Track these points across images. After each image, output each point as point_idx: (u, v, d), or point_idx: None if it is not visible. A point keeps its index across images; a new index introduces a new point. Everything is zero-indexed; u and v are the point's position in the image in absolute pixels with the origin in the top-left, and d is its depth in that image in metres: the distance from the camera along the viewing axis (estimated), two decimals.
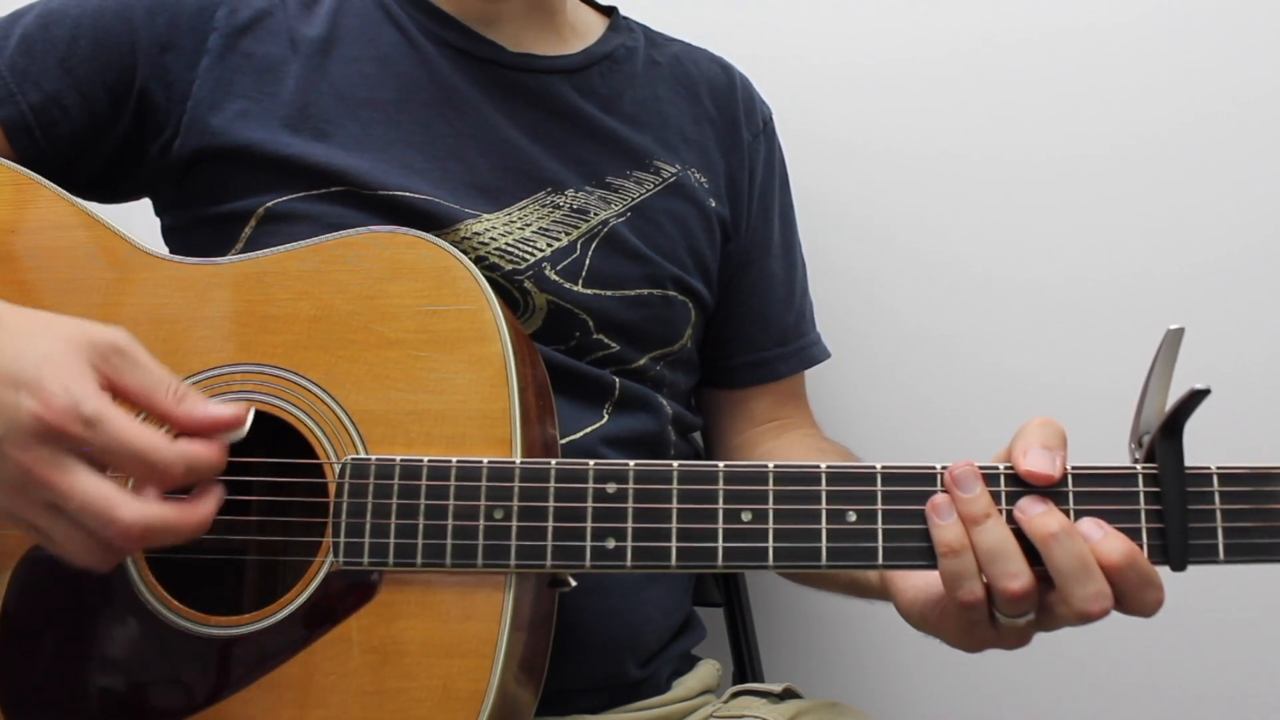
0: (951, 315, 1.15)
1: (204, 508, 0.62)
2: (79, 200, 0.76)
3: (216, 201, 0.84)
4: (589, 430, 0.85)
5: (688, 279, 0.92)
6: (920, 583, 0.70)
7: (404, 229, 0.74)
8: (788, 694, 0.91)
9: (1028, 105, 1.14)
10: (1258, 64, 1.10)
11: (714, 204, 0.95)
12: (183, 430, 0.61)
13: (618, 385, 0.88)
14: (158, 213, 0.90)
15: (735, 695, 0.92)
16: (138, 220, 0.86)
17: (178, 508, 0.60)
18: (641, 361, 0.90)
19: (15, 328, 0.61)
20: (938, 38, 1.15)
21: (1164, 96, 1.11)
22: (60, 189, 0.77)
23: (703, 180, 0.95)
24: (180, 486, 0.61)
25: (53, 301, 0.74)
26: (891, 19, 1.16)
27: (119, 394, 0.60)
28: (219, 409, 0.62)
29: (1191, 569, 0.65)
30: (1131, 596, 0.63)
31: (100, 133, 0.84)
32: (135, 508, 0.58)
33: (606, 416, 0.87)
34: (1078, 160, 1.13)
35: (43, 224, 0.76)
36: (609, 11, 1.00)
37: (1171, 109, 1.11)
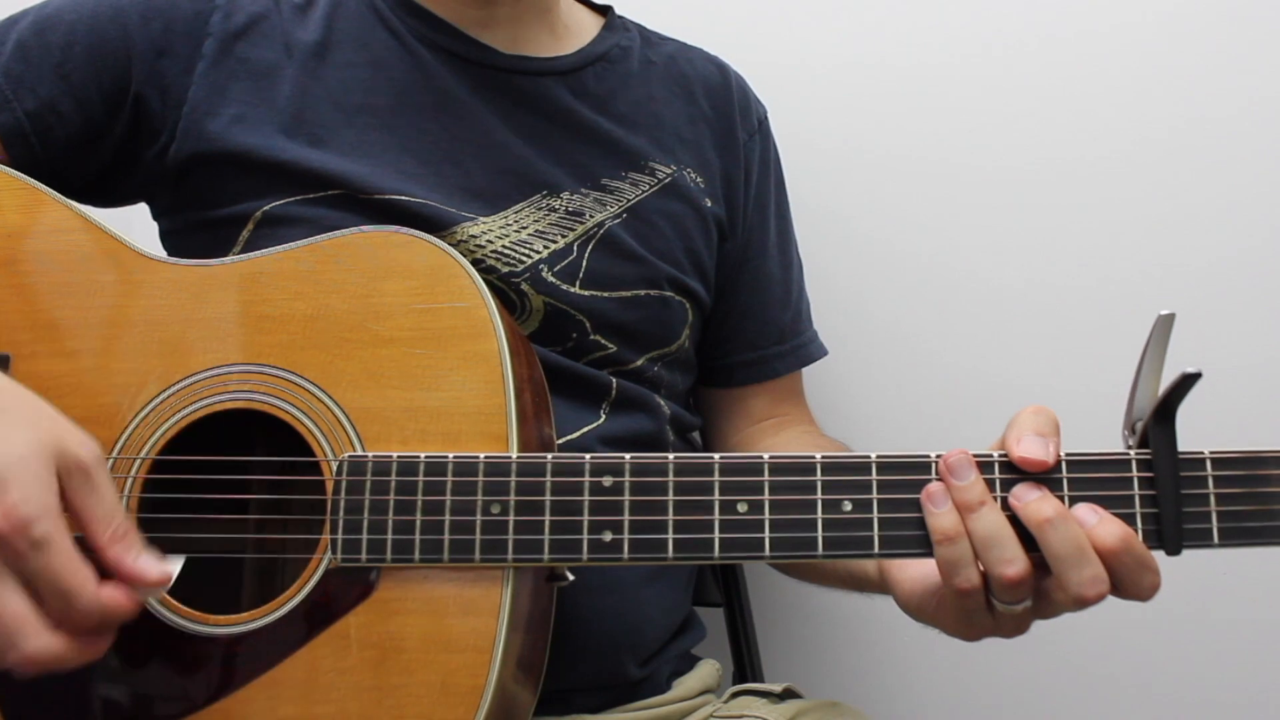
0: (947, 311, 1.15)
1: (102, 644, 0.61)
2: (77, 205, 0.77)
3: (213, 206, 0.84)
4: (586, 430, 0.86)
5: (684, 279, 0.92)
6: (917, 573, 0.70)
7: (399, 228, 0.74)
8: (788, 694, 0.91)
9: (1022, 107, 1.15)
10: (1255, 65, 1.10)
11: (710, 204, 0.95)
12: (105, 567, 0.61)
13: (615, 386, 0.88)
14: (155, 217, 0.91)
15: (735, 695, 0.92)
16: (138, 224, 0.87)
17: (78, 644, 0.60)
18: (639, 362, 0.90)
19: (3, 411, 0.61)
20: (933, 41, 1.16)
21: (1159, 99, 1.12)
22: (59, 194, 0.77)
23: (698, 180, 0.95)
24: (89, 629, 0.60)
25: (51, 305, 0.74)
26: (887, 22, 1.17)
27: (68, 509, 0.60)
28: (145, 565, 0.61)
29: (1190, 559, 0.65)
30: (1128, 581, 0.63)
31: (96, 138, 0.85)
32: (42, 641, 0.58)
33: (604, 417, 0.87)
34: (1073, 161, 1.13)
35: (42, 228, 0.76)
36: (604, 10, 1.01)
37: (1166, 112, 1.12)
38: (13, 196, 0.77)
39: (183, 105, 0.83)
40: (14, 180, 0.77)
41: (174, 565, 0.63)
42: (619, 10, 1.01)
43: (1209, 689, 1.10)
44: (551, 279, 0.85)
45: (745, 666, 1.06)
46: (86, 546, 0.60)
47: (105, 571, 0.60)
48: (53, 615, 0.58)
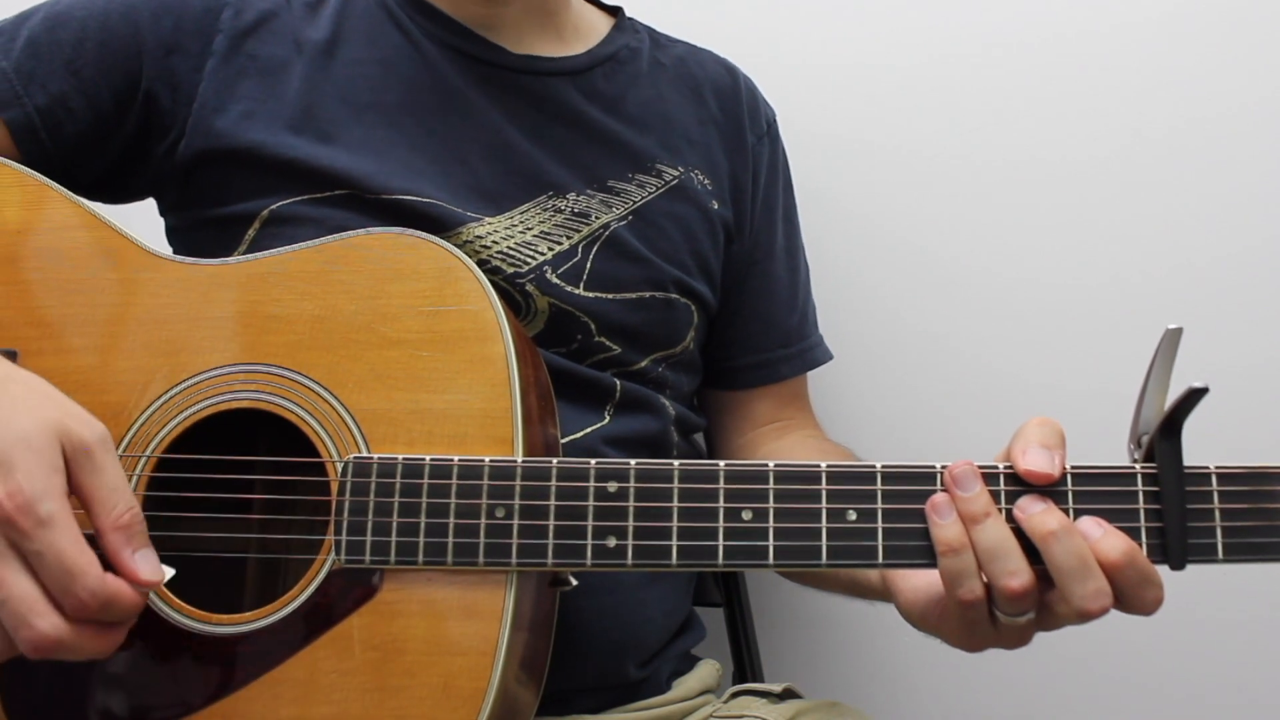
0: (953, 316, 1.15)
1: (115, 636, 0.61)
2: (84, 201, 0.77)
3: (220, 203, 0.84)
4: (590, 430, 0.86)
5: (690, 281, 0.92)
6: (920, 582, 0.70)
7: (407, 230, 0.74)
8: (787, 694, 0.91)
9: (1030, 107, 1.14)
10: (1257, 65, 1.10)
11: (717, 206, 0.95)
12: (105, 555, 0.61)
13: (619, 387, 0.88)
14: (161, 213, 0.91)
15: (735, 695, 0.92)
16: (141, 220, 0.87)
17: (90, 630, 0.60)
18: (643, 364, 0.90)
19: (8, 393, 0.61)
20: (940, 40, 1.16)
21: (1164, 97, 1.12)
22: (66, 190, 0.77)
23: (706, 182, 0.95)
24: (95, 618, 0.60)
25: (58, 302, 0.74)
26: (893, 21, 1.17)
27: (74, 491, 0.61)
28: (140, 562, 0.61)
29: (1191, 569, 0.65)
30: (1131, 595, 0.63)
31: (106, 135, 0.84)
32: (52, 620, 0.58)
33: (608, 418, 0.87)
34: (1080, 161, 1.13)
35: (49, 225, 0.76)
36: (614, 11, 1.01)
37: (1172, 110, 1.11)
38: (20, 193, 0.76)
39: (192, 102, 0.83)
40: (22, 176, 0.77)
41: (166, 573, 0.63)
42: (630, 12, 1.01)
43: (1210, 691, 1.11)
44: (556, 280, 0.85)
45: (745, 666, 1.07)
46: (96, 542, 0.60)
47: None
48: (55, 597, 0.58)
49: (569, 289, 0.85)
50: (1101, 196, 1.13)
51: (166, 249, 0.86)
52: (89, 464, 0.60)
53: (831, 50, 1.17)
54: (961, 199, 1.15)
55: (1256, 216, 1.10)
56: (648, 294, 0.89)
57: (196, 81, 0.84)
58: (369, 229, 0.74)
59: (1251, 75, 1.10)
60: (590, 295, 0.86)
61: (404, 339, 0.71)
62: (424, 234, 0.74)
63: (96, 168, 0.86)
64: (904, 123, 1.16)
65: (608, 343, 0.87)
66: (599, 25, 0.98)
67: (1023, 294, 1.14)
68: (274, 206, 0.82)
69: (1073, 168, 1.13)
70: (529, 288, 0.84)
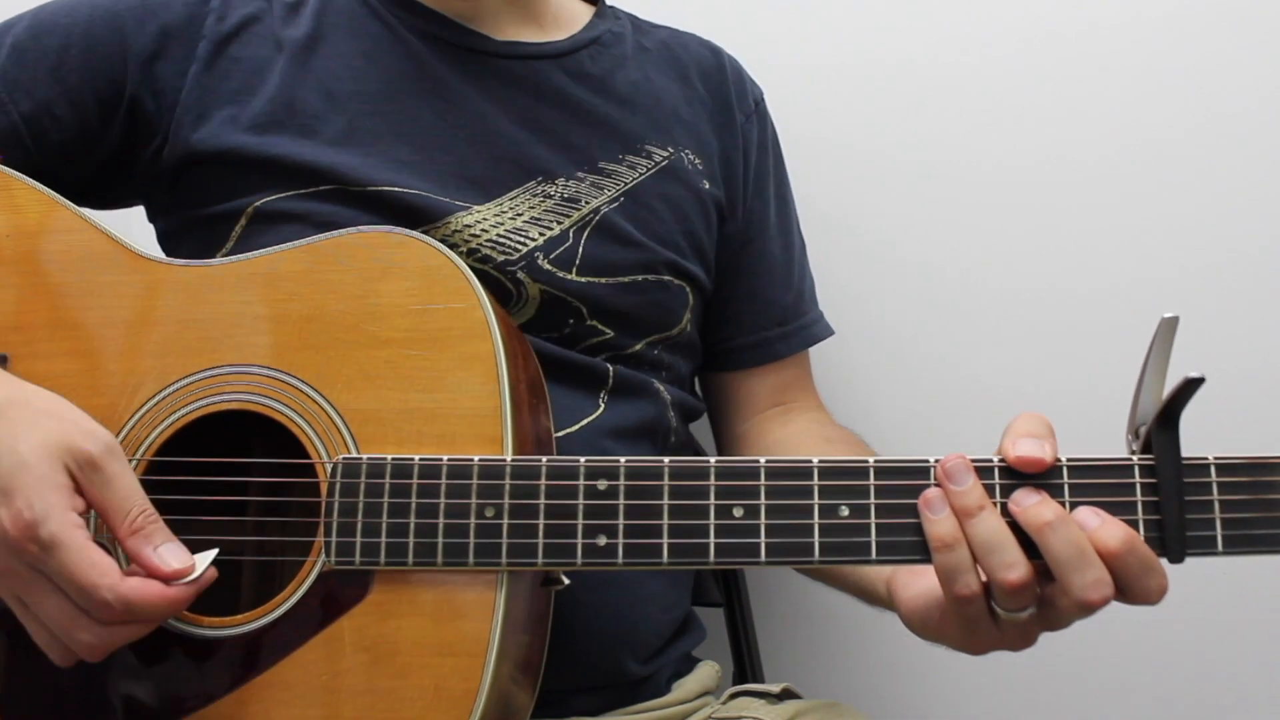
0: (950, 307, 1.14)
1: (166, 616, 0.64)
2: (75, 206, 0.77)
3: (206, 203, 0.84)
4: (587, 422, 0.85)
5: (683, 263, 0.91)
6: (920, 589, 0.69)
7: (395, 229, 0.74)
8: (786, 694, 0.90)
9: (1025, 106, 1.14)
10: (1256, 65, 1.09)
11: (708, 186, 0.94)
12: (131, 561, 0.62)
13: (611, 372, 0.87)
14: (150, 219, 0.91)
15: (734, 696, 0.92)
16: (137, 227, 0.87)
17: (138, 629, 0.63)
18: (638, 347, 0.89)
19: (8, 418, 0.62)
20: (934, 39, 1.15)
21: (1162, 99, 1.11)
22: (57, 195, 0.77)
23: (696, 162, 0.94)
24: (132, 620, 0.62)
25: (48, 306, 0.74)
26: (887, 20, 1.16)
27: (89, 504, 0.62)
28: (164, 556, 0.62)
29: (1190, 563, 0.64)
30: (1133, 584, 0.62)
31: (91, 141, 0.85)
32: (94, 631, 0.60)
33: (603, 406, 0.86)
34: (1075, 160, 1.13)
35: (40, 229, 0.76)
36: (594, 0, 1.00)
37: (1169, 112, 1.11)
38: (12, 197, 0.77)
39: (176, 107, 0.83)
40: (13, 180, 0.77)
41: (203, 557, 0.64)
42: (615, 4, 1.01)
43: (1210, 691, 1.09)
44: (548, 266, 0.85)
45: (745, 667, 1.06)
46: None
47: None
48: (85, 609, 0.59)
49: (561, 275, 0.85)
50: (1099, 193, 1.12)
51: (157, 252, 0.86)
52: (97, 476, 0.61)
53: (824, 48, 1.17)
54: (957, 195, 1.14)
55: (1253, 213, 1.09)
56: (640, 277, 0.88)
57: (180, 87, 0.84)
58: (358, 228, 0.74)
59: (1251, 75, 1.09)
60: (583, 280, 0.86)
61: (392, 338, 0.71)
62: (412, 232, 0.73)
63: (82, 173, 0.86)
64: (899, 121, 1.15)
65: (600, 326, 0.87)
66: (579, 13, 0.98)
67: (1021, 287, 1.13)
68: (259, 203, 0.82)
69: (1070, 164, 1.13)
70: (520, 275, 0.84)
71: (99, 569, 0.59)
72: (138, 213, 0.91)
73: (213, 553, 0.64)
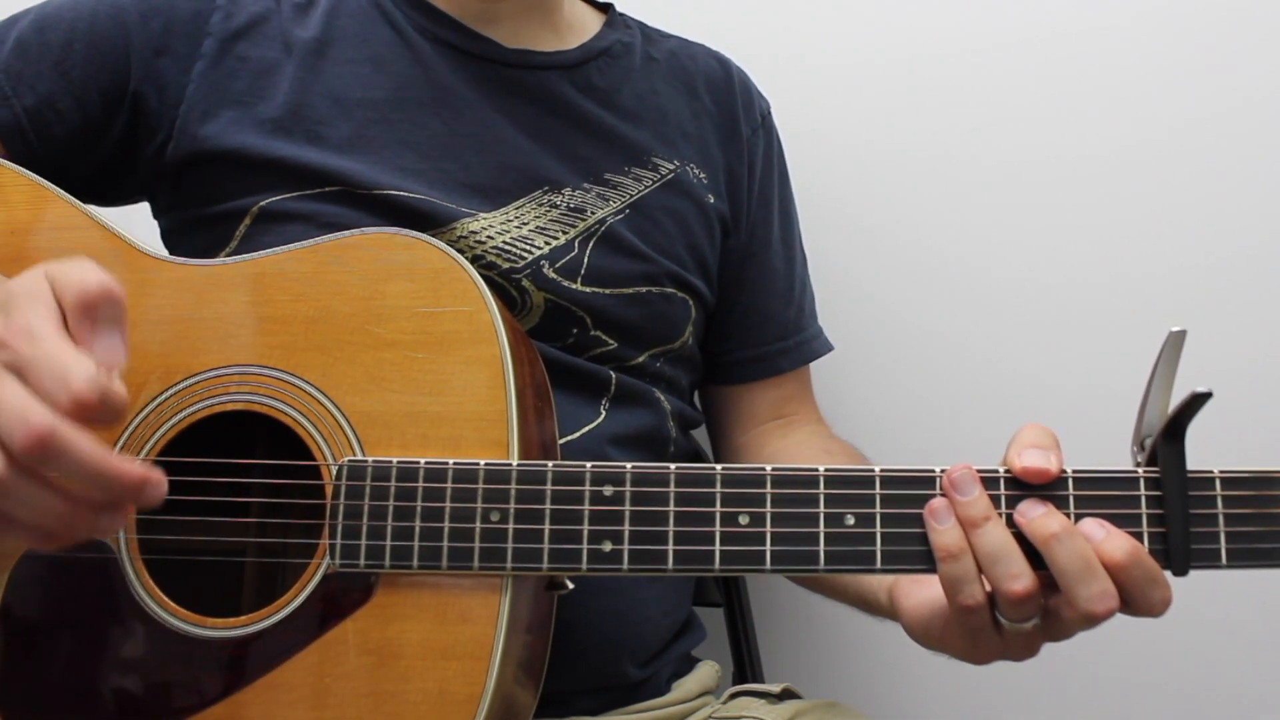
0: (952, 315, 1.14)
1: (120, 466, 0.54)
2: (81, 203, 0.76)
3: (211, 202, 0.84)
4: (589, 429, 0.85)
5: (686, 276, 0.91)
6: (923, 597, 0.69)
7: (402, 230, 0.73)
8: (786, 694, 0.90)
9: (1028, 105, 1.13)
10: (1257, 65, 1.09)
11: (713, 200, 0.94)
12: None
13: (614, 380, 0.87)
14: (155, 216, 0.90)
15: (734, 696, 0.92)
16: (139, 224, 0.86)
17: (88, 438, 0.54)
18: (640, 359, 0.89)
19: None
20: (938, 37, 1.15)
21: (1165, 97, 1.11)
22: (64, 192, 0.77)
23: (701, 176, 0.94)
24: (89, 417, 0.54)
25: None
26: (891, 18, 1.16)
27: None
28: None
29: (1193, 574, 0.64)
30: (1138, 595, 0.62)
31: (95, 136, 0.84)
32: (45, 414, 0.52)
33: (604, 413, 0.87)
34: (1078, 160, 1.12)
35: (47, 225, 0.76)
36: (605, 8, 1.00)
37: (1172, 109, 1.10)
38: (18, 193, 0.76)
39: (180, 104, 0.83)
40: (20, 177, 0.77)
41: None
42: (622, 9, 1.00)
43: (1211, 692, 1.10)
44: (553, 275, 0.85)
45: (745, 667, 1.06)
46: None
47: None
48: (51, 396, 0.53)
49: (566, 284, 0.85)
50: (1103, 195, 1.12)
51: (163, 251, 0.85)
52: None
53: (828, 47, 1.16)
54: (961, 197, 1.14)
55: (1260, 217, 1.09)
56: (644, 289, 0.88)
57: (184, 84, 0.83)
58: (363, 229, 0.74)
59: (1252, 75, 1.09)
60: (587, 290, 0.86)
61: (399, 340, 0.71)
62: (419, 234, 0.73)
63: (86, 169, 0.85)
64: (902, 120, 1.15)
65: (604, 337, 0.87)
66: (591, 21, 0.98)
67: (1023, 293, 1.13)
68: (264, 203, 0.82)
69: (1074, 166, 1.12)
70: (525, 283, 0.84)
71: (84, 361, 0.53)
72: (138, 210, 0.91)
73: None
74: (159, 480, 0.55)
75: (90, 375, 0.53)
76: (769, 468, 0.66)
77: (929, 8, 1.15)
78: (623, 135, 0.91)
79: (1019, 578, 0.62)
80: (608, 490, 0.67)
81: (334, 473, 0.69)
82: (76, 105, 0.83)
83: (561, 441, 0.80)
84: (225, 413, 0.72)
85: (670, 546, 0.66)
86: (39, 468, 0.54)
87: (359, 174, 0.82)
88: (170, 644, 0.69)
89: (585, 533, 0.66)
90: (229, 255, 0.81)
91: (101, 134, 0.84)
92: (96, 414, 0.54)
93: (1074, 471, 0.64)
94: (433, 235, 0.75)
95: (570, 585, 0.72)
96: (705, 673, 0.94)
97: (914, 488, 0.65)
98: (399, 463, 0.68)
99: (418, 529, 0.67)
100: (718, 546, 0.65)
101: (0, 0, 0.90)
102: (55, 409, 0.53)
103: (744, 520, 0.66)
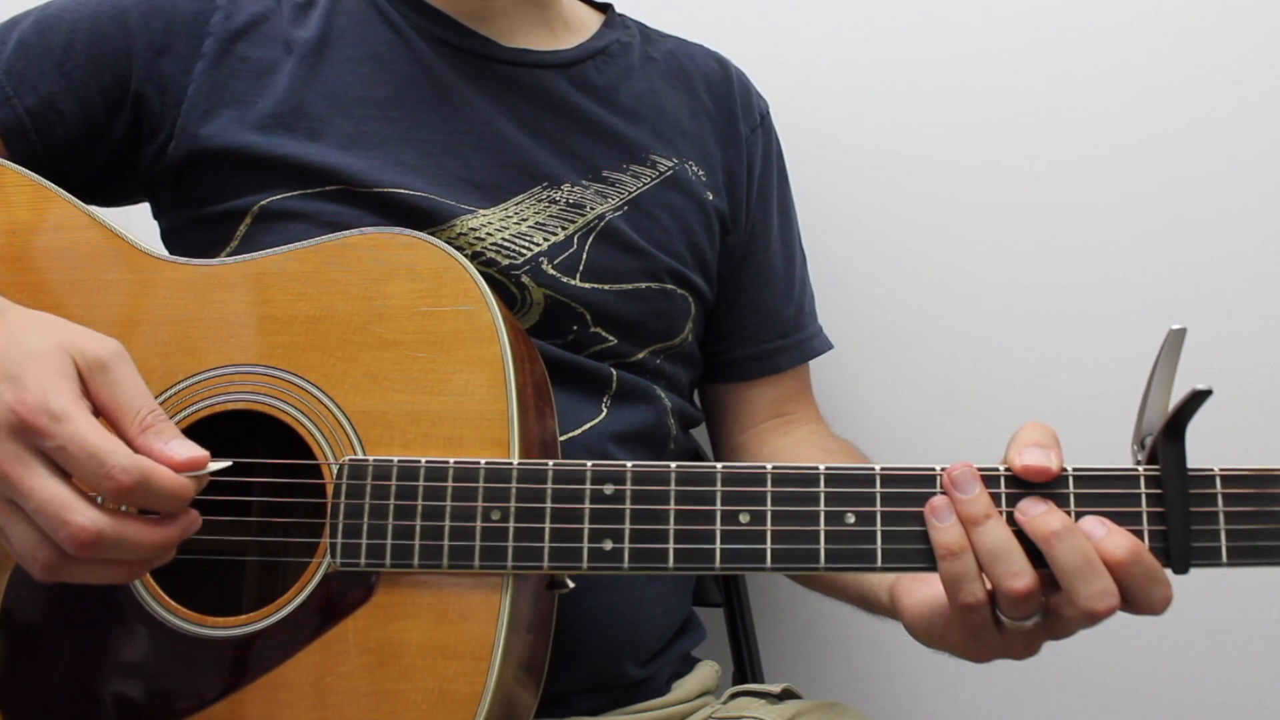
0: (952, 314, 1.14)
1: (167, 529, 0.60)
2: (83, 203, 0.77)
3: (211, 201, 0.84)
4: (590, 426, 0.85)
5: (685, 272, 0.91)
6: (924, 596, 0.70)
7: (403, 230, 0.74)
8: (786, 694, 0.91)
9: (1028, 105, 1.13)
10: (1257, 65, 1.09)
11: (712, 198, 0.95)
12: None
13: (615, 377, 0.87)
14: (155, 216, 0.90)
15: (734, 696, 0.92)
16: (139, 224, 0.87)
17: (136, 522, 0.59)
18: (640, 355, 0.89)
19: (13, 323, 0.61)
20: (938, 38, 1.15)
21: (1164, 98, 1.11)
22: (66, 192, 0.77)
23: (700, 174, 0.94)
24: (139, 504, 0.59)
25: (55, 303, 0.74)
26: (891, 19, 1.16)
27: (98, 409, 0.60)
28: (177, 448, 0.60)
29: (1194, 572, 0.64)
30: (1139, 593, 0.62)
31: (96, 136, 0.84)
32: (89, 514, 0.57)
33: (605, 410, 0.87)
34: (1078, 161, 1.12)
35: (48, 226, 0.76)
36: (604, 8, 1.00)
37: (1171, 111, 1.11)
38: (20, 193, 0.76)
39: (181, 104, 0.83)
40: (22, 177, 0.77)
41: (216, 462, 0.62)
42: (621, 10, 1.00)
43: (1211, 693, 1.10)
44: (552, 271, 0.85)
45: (745, 667, 1.06)
46: None
47: None
48: (90, 486, 0.56)
49: (565, 280, 0.85)
50: (1103, 195, 1.12)
51: (163, 251, 0.85)
52: (105, 378, 0.59)
53: (826, 48, 1.16)
54: (960, 197, 1.14)
55: (1259, 217, 1.09)
56: (644, 285, 0.89)
57: (185, 84, 0.83)
58: (364, 229, 0.74)
59: (1252, 75, 1.09)
60: (587, 286, 0.86)
61: (400, 340, 0.71)
62: (420, 234, 0.73)
63: (87, 169, 0.86)
64: (901, 121, 1.15)
65: (604, 333, 0.87)
66: (589, 21, 0.98)
67: (1024, 293, 1.13)
68: (265, 202, 0.82)
69: (1073, 166, 1.12)
70: (524, 279, 0.84)
71: (112, 440, 0.57)
72: (138, 210, 0.91)
73: (226, 463, 0.63)
74: (197, 521, 0.62)
75: (126, 460, 0.57)
76: (769, 466, 0.66)
77: (929, 8, 1.15)
78: (621, 132, 0.91)
79: (1020, 576, 0.62)
80: (608, 489, 0.67)
81: (335, 472, 0.69)
82: (78, 105, 0.83)
83: (563, 438, 0.81)
84: (226, 412, 0.72)
85: (671, 545, 0.66)
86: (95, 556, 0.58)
87: (359, 171, 0.82)
88: (171, 643, 0.69)
89: (586, 531, 0.66)
90: (230, 255, 0.81)
91: (103, 134, 0.84)
92: (141, 501, 0.58)
93: (1074, 470, 0.65)
94: (432, 232, 0.76)
95: (571, 584, 0.72)
96: (705, 673, 0.94)
97: (914, 486, 0.65)
98: (400, 462, 0.68)
99: (418, 528, 0.67)
100: (718, 545, 0.66)
101: (2, 1, 0.90)
102: (98, 500, 0.56)
103: (745, 519, 0.66)
